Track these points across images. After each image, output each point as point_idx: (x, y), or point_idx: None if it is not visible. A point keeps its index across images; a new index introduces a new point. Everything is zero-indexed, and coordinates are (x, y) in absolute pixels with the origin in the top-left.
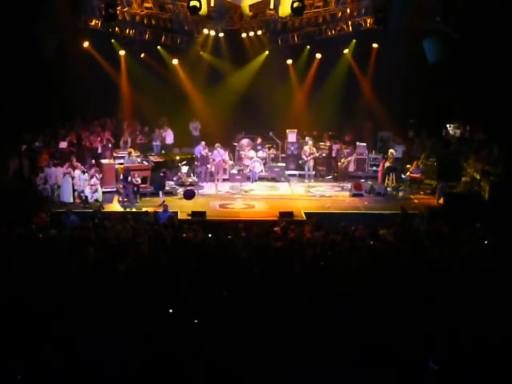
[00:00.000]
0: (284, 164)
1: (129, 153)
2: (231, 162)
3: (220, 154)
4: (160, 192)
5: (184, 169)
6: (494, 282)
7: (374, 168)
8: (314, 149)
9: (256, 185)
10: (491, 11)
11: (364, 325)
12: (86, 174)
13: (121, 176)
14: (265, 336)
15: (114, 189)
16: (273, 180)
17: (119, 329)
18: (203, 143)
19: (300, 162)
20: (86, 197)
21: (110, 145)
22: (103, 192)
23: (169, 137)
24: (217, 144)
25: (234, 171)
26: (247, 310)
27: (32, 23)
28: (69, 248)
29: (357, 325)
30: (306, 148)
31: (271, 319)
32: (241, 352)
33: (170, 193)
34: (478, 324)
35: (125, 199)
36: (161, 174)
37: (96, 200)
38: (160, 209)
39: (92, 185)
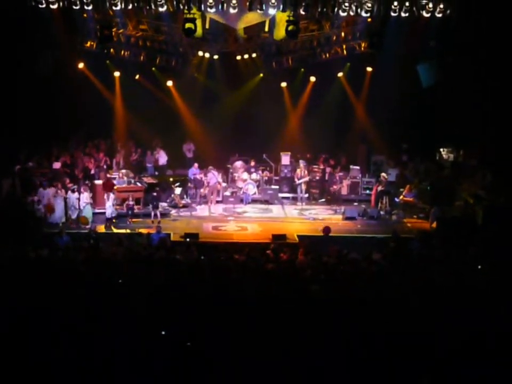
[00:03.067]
0: (277, 187)
1: (120, 175)
2: (224, 184)
3: (215, 176)
4: (152, 212)
5: (178, 190)
6: (487, 307)
7: (367, 191)
8: (306, 172)
9: (249, 207)
10: (484, 35)
11: (357, 349)
12: (76, 193)
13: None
14: (259, 358)
15: None
16: (267, 202)
17: (112, 353)
18: (196, 164)
19: (294, 184)
20: (77, 216)
21: (105, 166)
22: (95, 213)
23: (162, 158)
24: (210, 167)
25: (227, 193)
26: (240, 333)
27: (28, 43)
28: (62, 268)
29: (351, 348)
30: (298, 171)
31: (264, 341)
32: (235, 375)
33: (163, 215)
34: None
35: (113, 219)
36: (154, 194)
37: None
38: (153, 231)
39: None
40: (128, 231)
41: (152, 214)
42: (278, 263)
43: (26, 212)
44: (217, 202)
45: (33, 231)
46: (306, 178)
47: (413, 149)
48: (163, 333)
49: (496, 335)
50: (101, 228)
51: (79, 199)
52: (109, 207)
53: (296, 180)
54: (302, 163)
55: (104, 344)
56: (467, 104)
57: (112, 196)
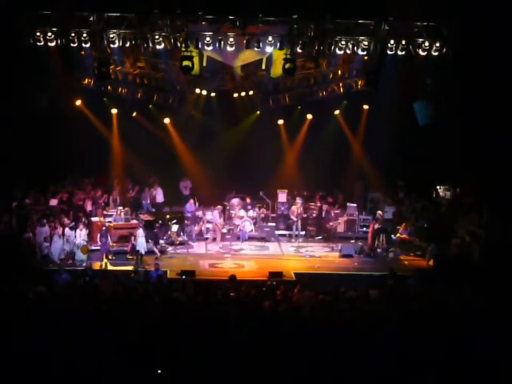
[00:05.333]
0: (274, 224)
1: (118, 212)
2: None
3: (214, 216)
4: (154, 248)
5: (174, 228)
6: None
7: (364, 229)
8: (302, 210)
9: (246, 244)
10: (481, 73)
11: None
12: (74, 231)
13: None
14: None
15: None
16: (263, 239)
17: None
18: (191, 200)
19: (289, 222)
20: (74, 253)
21: (102, 203)
22: (92, 250)
23: (159, 195)
24: (218, 206)
25: (224, 230)
26: (238, 369)
27: (26, 80)
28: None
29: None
30: (294, 208)
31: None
32: None
33: (160, 252)
34: None
35: (109, 257)
36: (155, 230)
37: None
38: (151, 268)
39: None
40: (126, 268)
41: (156, 250)
42: (275, 301)
43: (22, 248)
44: (213, 240)
45: (29, 268)
46: (298, 217)
47: (409, 187)
48: (159, 371)
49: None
50: (96, 265)
51: (75, 235)
52: (141, 243)
53: (292, 217)
54: (298, 200)
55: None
56: (463, 141)
57: (140, 231)
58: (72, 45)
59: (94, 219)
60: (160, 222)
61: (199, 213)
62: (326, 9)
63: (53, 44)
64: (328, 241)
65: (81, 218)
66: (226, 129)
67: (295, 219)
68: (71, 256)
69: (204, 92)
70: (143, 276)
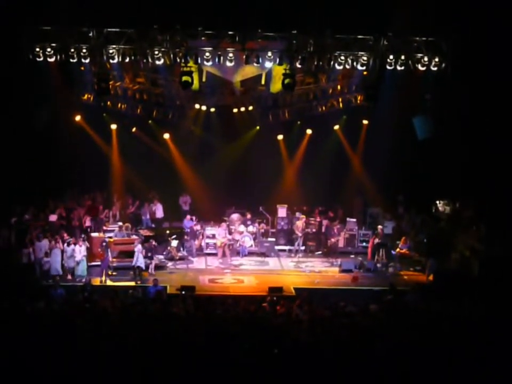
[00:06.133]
0: (273, 239)
1: (120, 227)
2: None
3: (219, 234)
4: (150, 266)
5: (174, 243)
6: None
7: (364, 244)
8: (305, 224)
9: (245, 260)
10: (479, 88)
11: None
12: (72, 246)
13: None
14: None
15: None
16: (263, 254)
17: None
18: (188, 216)
19: (293, 237)
20: (72, 269)
21: (104, 218)
22: (92, 266)
23: (159, 211)
24: (222, 224)
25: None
26: None
27: (25, 96)
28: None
29: None
30: (299, 223)
31: None
32: None
33: (160, 268)
34: None
35: (109, 272)
36: (147, 245)
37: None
38: (150, 283)
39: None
40: (126, 283)
41: (150, 266)
42: (275, 316)
43: (21, 264)
44: (213, 254)
45: (28, 283)
46: (303, 232)
47: (409, 201)
48: None
49: None
50: (96, 281)
51: (74, 251)
52: (140, 257)
53: (297, 232)
54: (299, 215)
55: None
56: (462, 156)
57: (139, 246)
58: (71, 60)
59: (93, 235)
60: (154, 239)
61: (198, 228)
62: (325, 25)
63: (52, 60)
64: (328, 256)
65: (80, 234)
66: (225, 145)
67: (299, 234)
68: (70, 272)
69: (204, 107)
70: (141, 292)
